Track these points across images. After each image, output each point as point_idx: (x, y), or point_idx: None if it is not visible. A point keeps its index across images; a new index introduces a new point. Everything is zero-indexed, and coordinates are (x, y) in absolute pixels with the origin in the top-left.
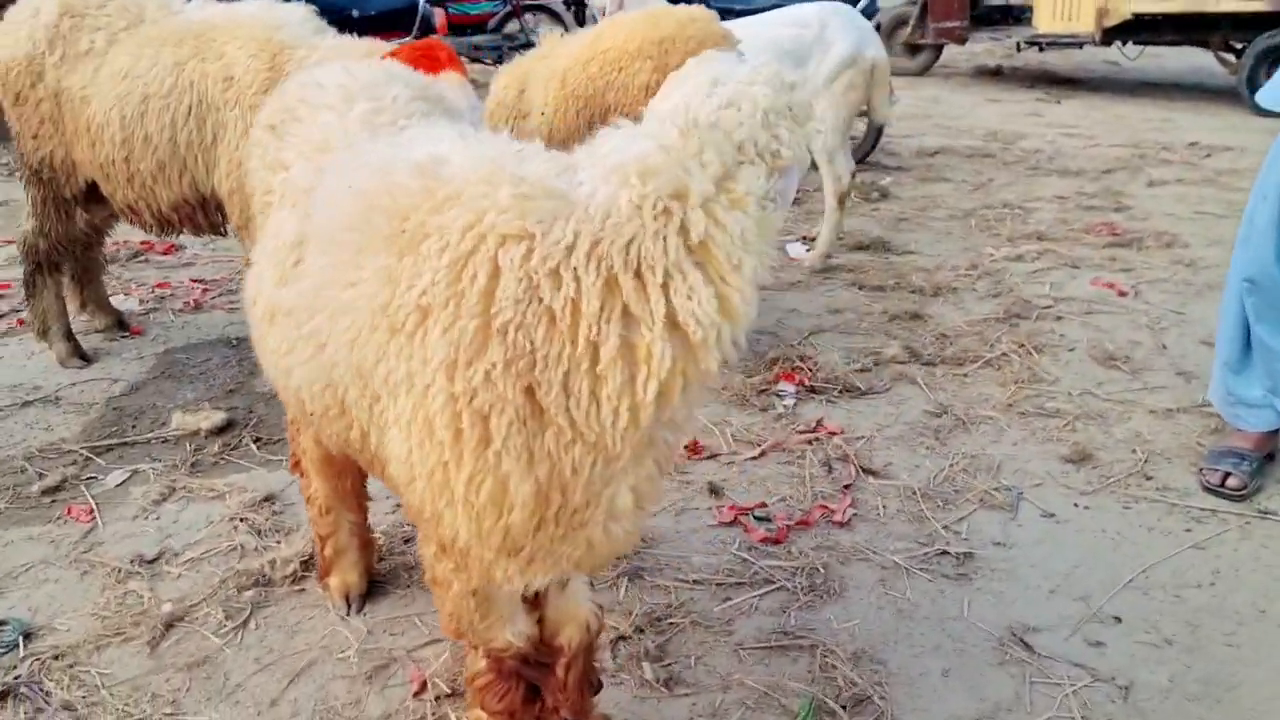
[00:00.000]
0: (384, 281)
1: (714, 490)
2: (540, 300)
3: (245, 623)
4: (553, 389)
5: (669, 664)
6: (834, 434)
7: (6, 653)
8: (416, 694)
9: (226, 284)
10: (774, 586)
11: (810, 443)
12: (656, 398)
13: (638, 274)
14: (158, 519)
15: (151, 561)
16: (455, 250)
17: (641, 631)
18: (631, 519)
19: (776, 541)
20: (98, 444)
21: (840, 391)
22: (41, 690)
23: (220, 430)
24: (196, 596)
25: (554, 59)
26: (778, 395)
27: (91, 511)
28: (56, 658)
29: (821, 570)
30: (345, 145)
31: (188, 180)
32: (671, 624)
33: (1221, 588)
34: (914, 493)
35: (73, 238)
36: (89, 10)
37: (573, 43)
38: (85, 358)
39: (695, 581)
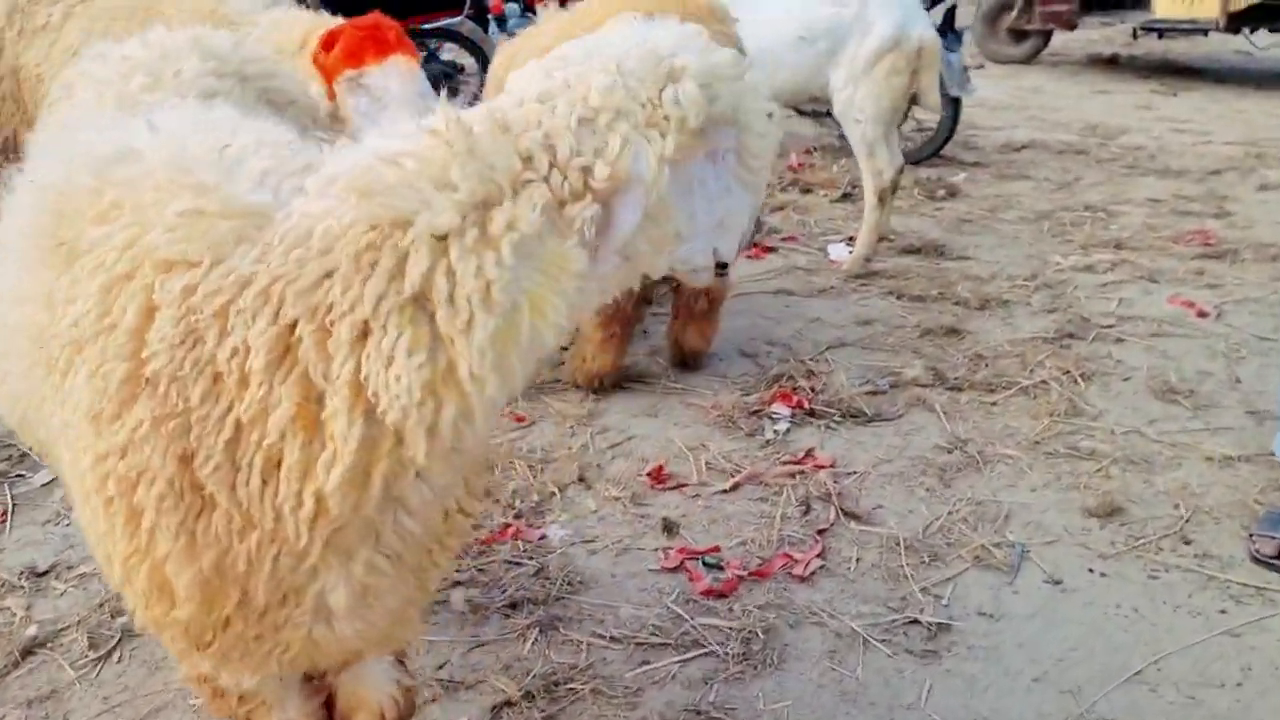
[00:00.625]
0: (43, 304)
1: (668, 528)
2: (202, 347)
3: (109, 654)
4: (213, 460)
5: None
6: (821, 467)
7: None
8: None
9: None
10: (702, 651)
11: (793, 476)
12: (343, 486)
13: (324, 326)
14: (66, 526)
15: (41, 575)
16: (109, 273)
17: (532, 698)
18: (365, 618)
19: (722, 595)
20: None
21: (843, 417)
22: None
23: None
24: (69, 619)
25: (541, 34)
26: (770, 418)
27: (4, 513)
28: None
29: (762, 635)
30: (77, 127)
31: None
32: (570, 690)
33: (1251, 690)
34: (898, 544)
35: None
36: None
37: (563, 16)
38: None
39: (614, 639)
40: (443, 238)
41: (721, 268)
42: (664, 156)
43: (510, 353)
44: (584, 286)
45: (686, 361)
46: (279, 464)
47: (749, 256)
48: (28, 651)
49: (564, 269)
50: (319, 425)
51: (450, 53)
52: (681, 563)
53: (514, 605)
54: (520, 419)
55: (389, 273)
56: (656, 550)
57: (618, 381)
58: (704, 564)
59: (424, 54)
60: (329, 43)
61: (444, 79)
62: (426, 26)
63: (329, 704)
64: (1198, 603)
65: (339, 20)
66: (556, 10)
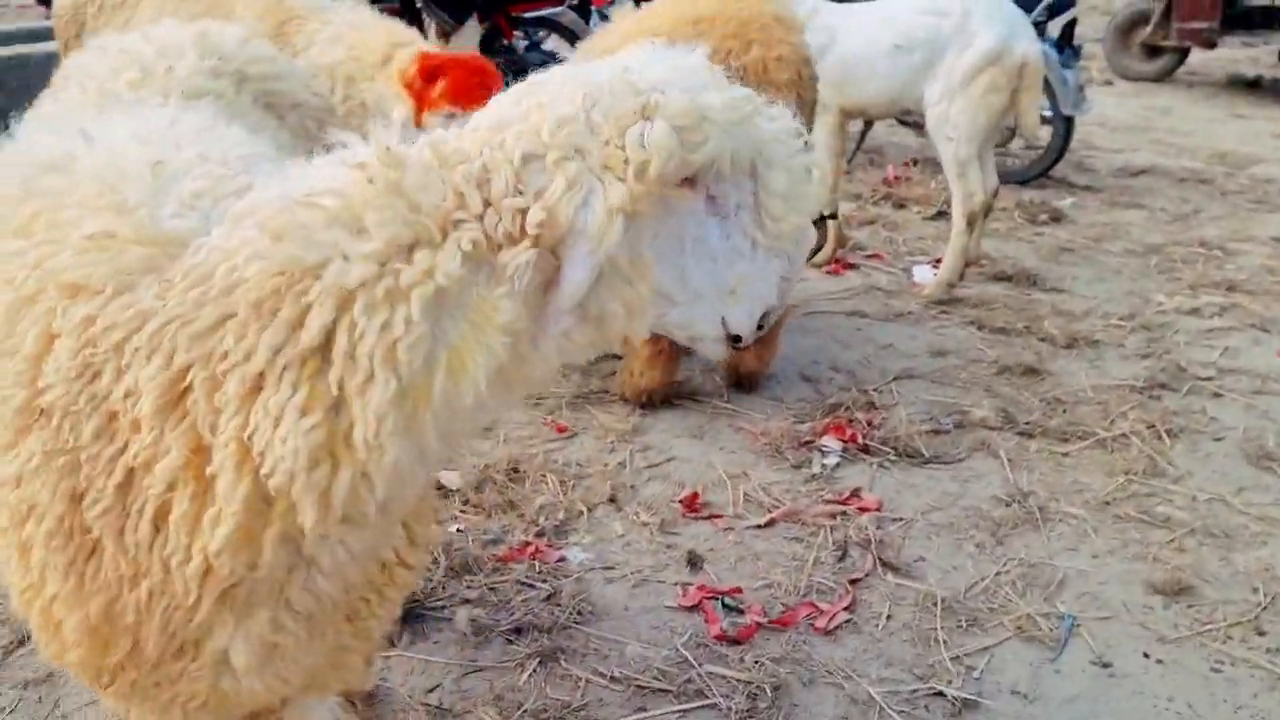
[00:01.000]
0: None
1: (692, 561)
2: (98, 382)
3: None
4: (102, 503)
5: None
6: (865, 510)
7: None
8: None
9: None
10: (704, 703)
11: (833, 517)
12: (230, 546)
13: (215, 375)
14: None
15: None
16: (16, 293)
17: None
18: (276, 674)
19: (736, 641)
20: None
21: (897, 456)
22: None
23: None
24: None
25: (610, 34)
26: (820, 450)
27: None
28: None
29: (770, 692)
30: (44, 124)
31: None
32: None
33: None
34: (935, 603)
35: None
36: None
37: (628, 19)
38: None
39: (614, 678)
40: (352, 287)
41: (735, 340)
42: (615, 206)
43: (421, 414)
44: (527, 344)
45: (742, 383)
46: (168, 514)
47: (828, 272)
48: (29, 636)
49: (489, 321)
50: (207, 480)
51: (554, 43)
52: (700, 601)
53: (519, 630)
54: (562, 429)
55: (289, 323)
56: (676, 585)
57: (667, 397)
58: (723, 605)
59: (525, 42)
60: (430, 73)
61: (540, 69)
62: (528, 15)
63: None
64: (1264, 705)
65: (417, 38)
66: (630, 10)
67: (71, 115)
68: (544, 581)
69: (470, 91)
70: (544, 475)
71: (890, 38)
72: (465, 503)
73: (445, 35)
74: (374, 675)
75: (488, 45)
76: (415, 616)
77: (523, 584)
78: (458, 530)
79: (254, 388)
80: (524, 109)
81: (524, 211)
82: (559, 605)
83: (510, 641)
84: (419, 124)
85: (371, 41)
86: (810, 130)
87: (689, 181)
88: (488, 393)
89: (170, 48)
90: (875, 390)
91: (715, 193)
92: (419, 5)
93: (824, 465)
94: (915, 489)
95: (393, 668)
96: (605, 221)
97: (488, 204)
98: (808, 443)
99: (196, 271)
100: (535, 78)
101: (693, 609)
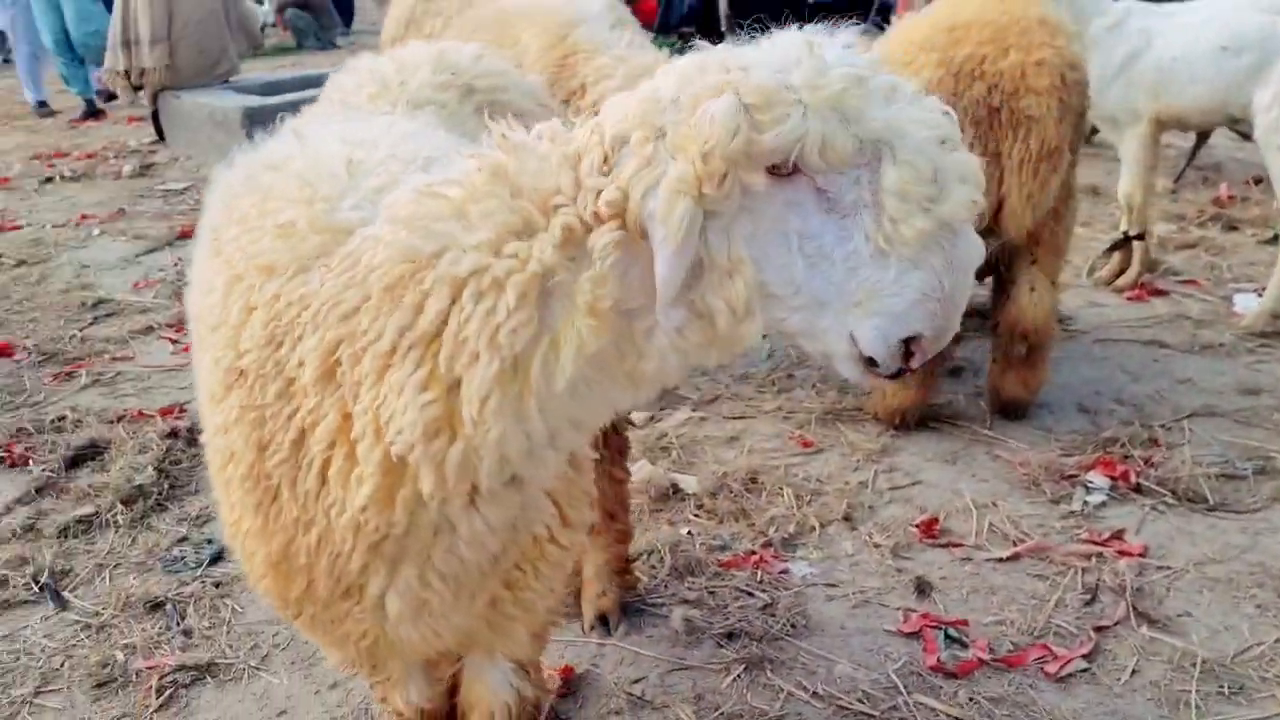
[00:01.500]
0: (203, 289)
1: (920, 588)
2: (280, 351)
3: None
4: (279, 455)
5: None
6: (1126, 555)
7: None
8: None
9: None
10: None
11: (1088, 558)
12: (371, 504)
13: (356, 352)
14: None
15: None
16: (230, 271)
17: None
18: (428, 626)
19: (953, 675)
20: None
21: (1176, 499)
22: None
23: None
24: None
25: (901, 30)
26: (1085, 486)
27: None
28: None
29: None
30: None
31: None
32: None
33: None
34: (1194, 663)
35: None
36: None
37: (893, 29)
38: None
39: (816, 694)
40: (463, 276)
41: (872, 364)
42: (675, 188)
43: (525, 396)
44: (635, 335)
45: (1007, 410)
46: (329, 470)
47: (1129, 299)
48: None
49: (581, 304)
50: (352, 443)
51: None
52: (921, 629)
53: (730, 635)
54: (807, 444)
55: (412, 308)
56: (899, 610)
57: (923, 419)
58: (945, 636)
59: None
60: None
61: None
62: None
63: (455, 692)
64: None
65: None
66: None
67: (311, 123)
68: (763, 591)
69: None
70: (781, 488)
71: (1216, 38)
72: (699, 507)
73: None
74: (540, 649)
75: None
76: (634, 610)
77: (742, 591)
78: (688, 533)
79: (384, 364)
80: (642, 92)
81: (601, 191)
82: (774, 616)
83: (720, 645)
84: None
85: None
86: (1073, 139)
87: (778, 169)
88: (588, 379)
89: (409, 65)
90: (1162, 427)
91: (825, 185)
92: (723, 29)
93: (1086, 502)
94: (1191, 537)
95: (605, 656)
96: (668, 204)
97: (579, 186)
98: (1071, 476)
99: (350, 258)
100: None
101: (912, 636)
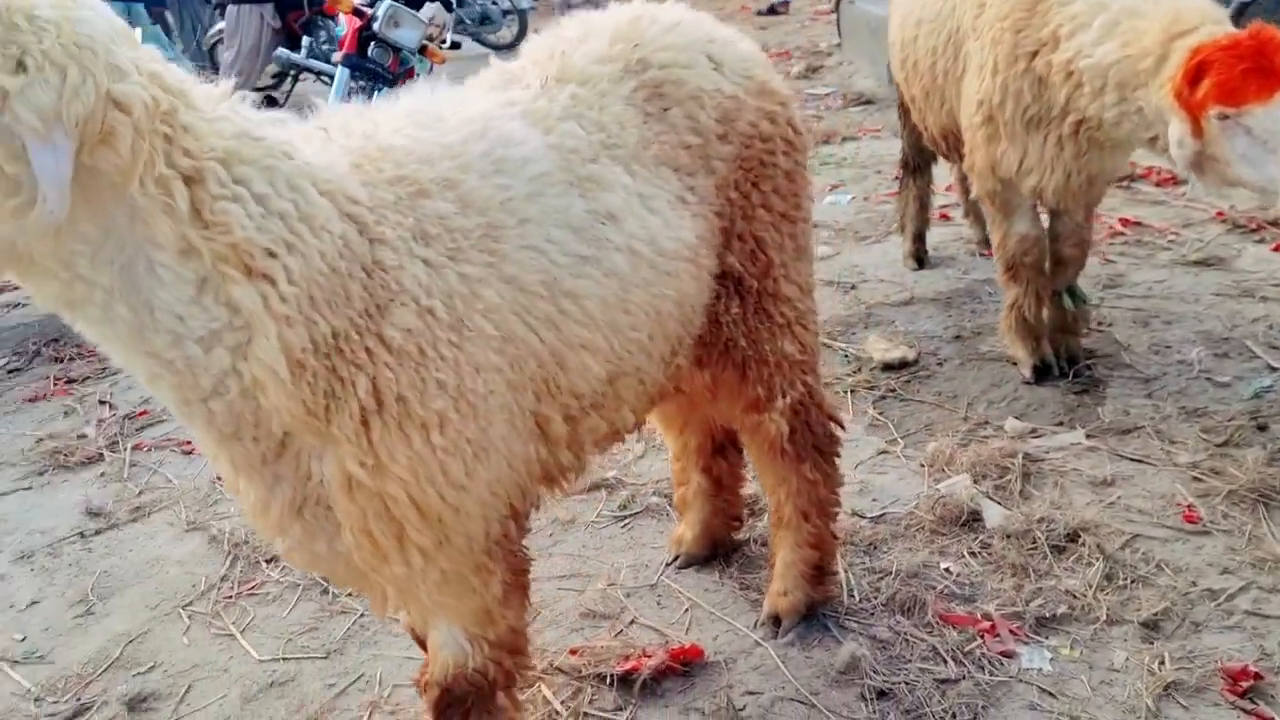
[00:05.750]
0: None
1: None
2: None
3: None
4: None
5: None
6: None
7: None
8: None
9: None
10: None
11: None
12: None
13: None
14: None
15: None
16: None
17: None
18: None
19: None
20: None
21: None
22: None
23: None
24: None
25: None
26: None
27: None
28: None
29: None
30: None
31: (946, 110)
32: None
33: None
34: None
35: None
36: None
37: None
38: (921, 263)
39: None
40: None
41: None
42: None
43: None
44: None
45: None
46: None
47: None
48: None
49: None
50: None
51: None
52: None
53: (882, 694)
54: (1191, 519)
55: None
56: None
57: None
58: None
59: None
60: (1194, 74)
61: None
62: None
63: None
64: None
65: (1207, 19)
66: None
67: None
68: (961, 663)
69: (1243, 85)
70: (1096, 558)
71: None
72: (984, 546)
73: None
74: (494, 628)
75: None
76: (818, 621)
77: (937, 653)
78: (944, 569)
79: None
80: None
81: None
82: (945, 694)
83: (864, 699)
84: (1198, 136)
85: (1147, 34)
86: None
87: None
88: None
89: (591, 31)
90: None
91: None
92: None
93: None
94: None
95: (750, 655)
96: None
97: None
98: None
99: None
100: None
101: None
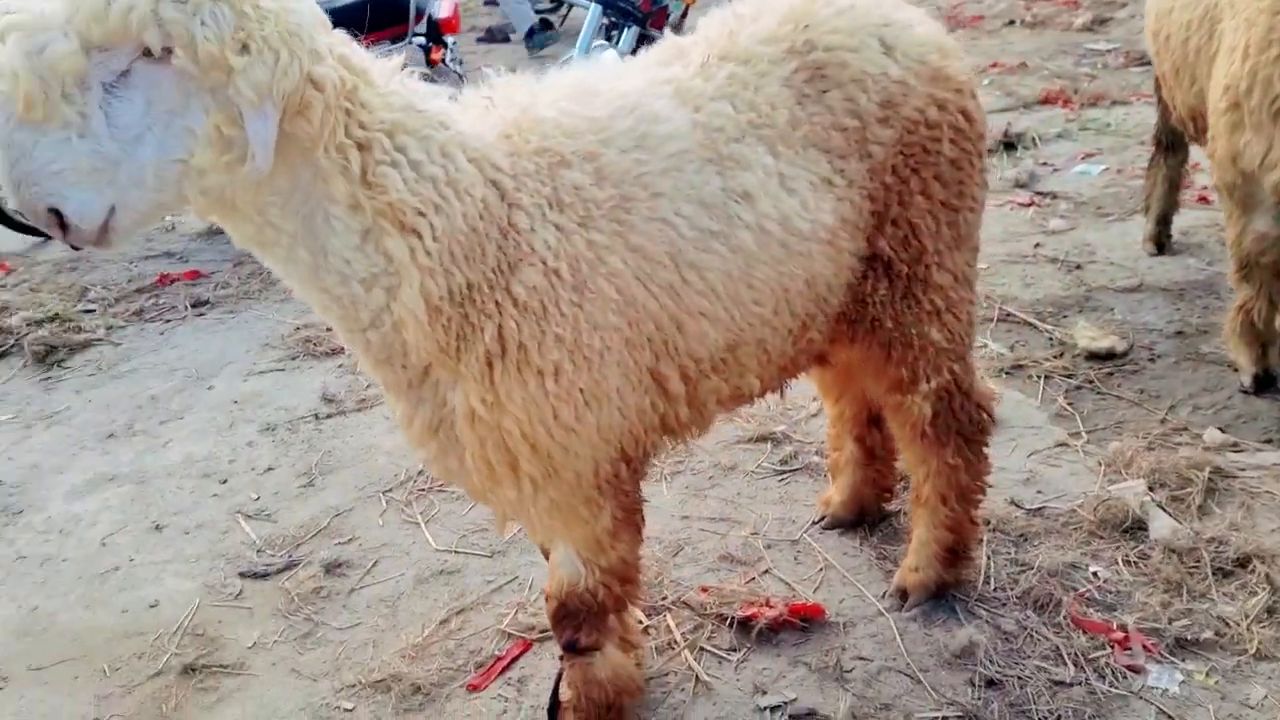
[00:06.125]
0: None
1: None
2: None
3: None
4: None
5: None
6: None
7: None
8: None
9: None
10: None
11: None
12: None
13: None
14: None
15: None
16: None
17: None
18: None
19: None
20: None
21: None
22: None
23: None
24: None
25: None
26: None
27: None
28: None
29: None
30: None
31: (1195, 90)
32: None
33: None
34: None
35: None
36: None
37: None
38: (1162, 248)
39: None
40: None
41: None
42: None
43: None
44: None
45: None
46: None
47: None
48: None
49: None
50: None
51: None
52: None
53: (991, 684)
54: None
55: None
56: None
57: None
58: None
59: None
60: None
61: None
62: None
63: None
64: None
65: None
66: None
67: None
68: (1083, 668)
69: None
70: (1264, 585)
71: None
72: (1141, 556)
73: None
74: (606, 555)
75: None
76: (945, 603)
77: (1059, 655)
78: (1093, 572)
79: None
80: None
81: None
82: (1056, 697)
83: (973, 686)
84: None
85: None
86: None
87: None
88: None
89: (766, 10)
90: None
91: None
92: None
93: None
94: None
95: (871, 623)
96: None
97: None
98: None
99: None
100: None
101: None
